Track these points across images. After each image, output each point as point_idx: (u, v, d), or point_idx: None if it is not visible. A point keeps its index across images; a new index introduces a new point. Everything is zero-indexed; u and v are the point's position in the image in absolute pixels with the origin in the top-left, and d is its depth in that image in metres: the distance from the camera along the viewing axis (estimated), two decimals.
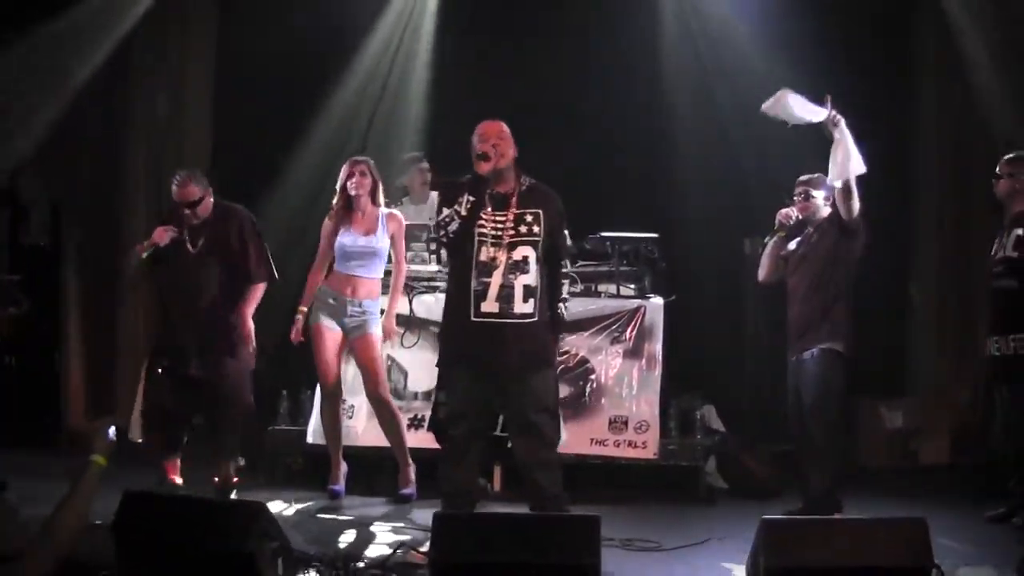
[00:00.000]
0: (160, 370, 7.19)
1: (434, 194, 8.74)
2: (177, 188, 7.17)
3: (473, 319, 5.86)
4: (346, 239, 7.31)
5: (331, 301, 7.34)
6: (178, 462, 7.29)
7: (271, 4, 9.77)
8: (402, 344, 7.77)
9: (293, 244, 9.08)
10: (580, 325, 7.65)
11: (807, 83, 8.36)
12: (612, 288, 7.94)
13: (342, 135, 9.70)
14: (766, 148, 8.55)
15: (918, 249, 9.56)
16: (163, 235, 7.13)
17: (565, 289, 6.20)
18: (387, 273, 7.49)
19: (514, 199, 5.90)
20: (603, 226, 8.10)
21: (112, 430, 4.41)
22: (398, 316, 7.60)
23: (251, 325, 7.27)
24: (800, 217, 6.99)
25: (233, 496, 7.12)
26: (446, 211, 5.84)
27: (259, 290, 7.35)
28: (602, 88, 9.68)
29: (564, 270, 6.17)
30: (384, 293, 7.46)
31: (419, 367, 7.88)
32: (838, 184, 6.62)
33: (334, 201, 7.39)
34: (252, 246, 7.31)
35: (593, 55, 9.76)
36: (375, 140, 9.75)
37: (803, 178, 6.98)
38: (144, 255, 7.15)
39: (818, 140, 7.95)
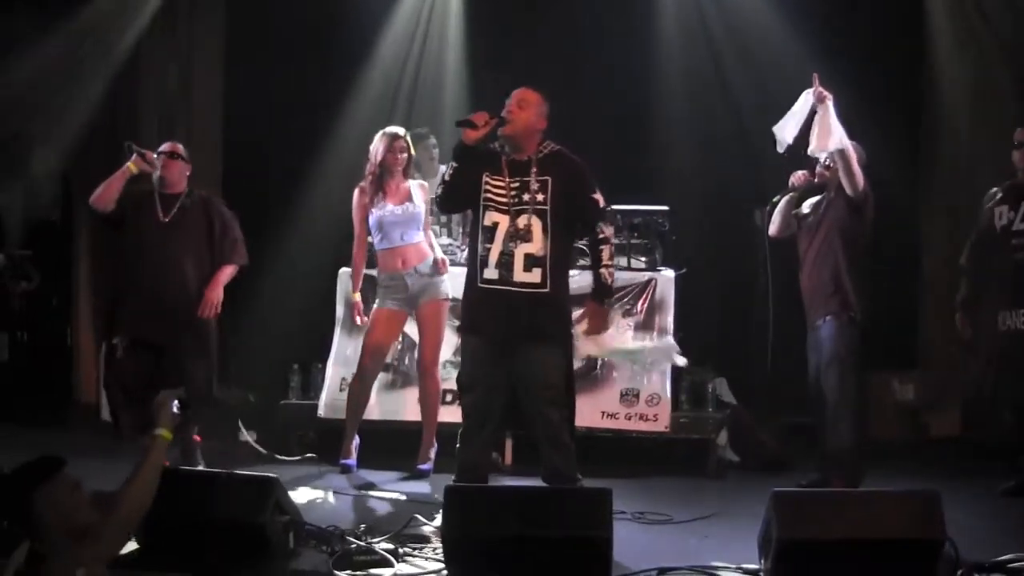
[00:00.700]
0: (125, 347, 7.10)
1: (443, 167, 8.74)
2: (168, 144, 7.30)
3: (479, 285, 5.86)
4: (383, 212, 7.28)
5: (390, 283, 7.35)
6: None
7: None
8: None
9: (316, 232, 9.16)
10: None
11: (818, 59, 8.39)
12: (623, 261, 7.91)
13: (365, 117, 9.64)
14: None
15: (928, 222, 9.51)
16: (152, 161, 7.11)
17: (605, 254, 5.93)
18: None
19: (531, 167, 5.85)
20: (613, 199, 8.05)
21: (176, 404, 4.42)
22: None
23: (220, 297, 7.15)
24: (816, 182, 6.95)
25: (200, 463, 7.03)
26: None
27: (231, 271, 7.26)
28: (610, 61, 9.62)
29: (602, 235, 5.92)
30: None
31: None
32: (821, 156, 6.65)
33: (366, 172, 7.35)
34: (232, 229, 7.27)
35: (600, 25, 9.70)
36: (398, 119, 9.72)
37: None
38: (136, 169, 7.04)
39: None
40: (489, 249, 5.81)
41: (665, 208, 8.05)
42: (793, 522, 4.84)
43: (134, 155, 7.06)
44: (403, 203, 7.29)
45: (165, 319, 7.01)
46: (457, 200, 6.04)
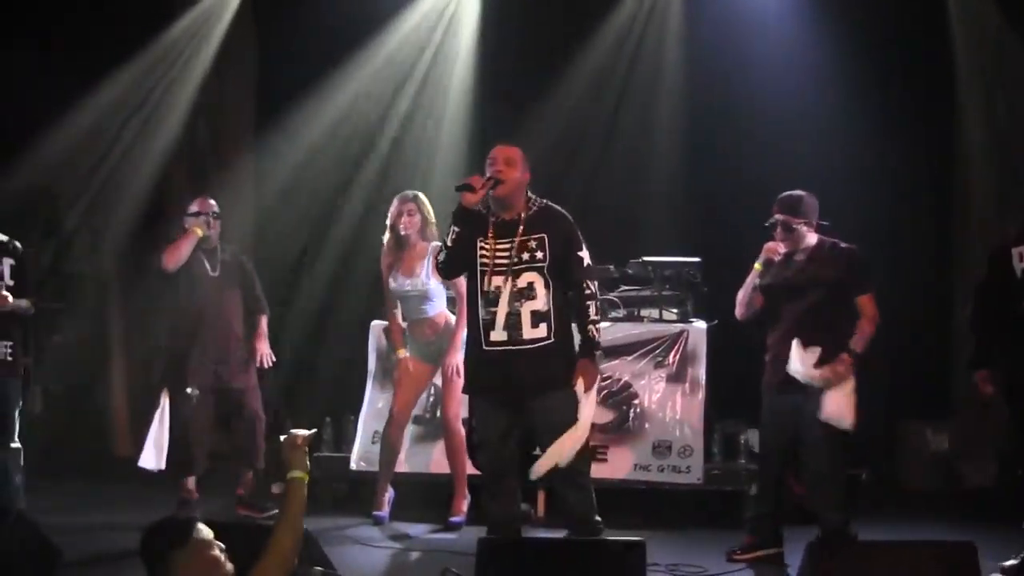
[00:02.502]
0: (198, 396, 7.47)
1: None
2: (201, 198, 7.73)
3: (485, 348, 5.85)
4: (397, 284, 7.32)
5: (419, 342, 7.43)
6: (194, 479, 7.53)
7: (310, 28, 9.80)
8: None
9: (348, 284, 9.24)
10: (623, 350, 7.66)
11: (846, 99, 8.42)
12: (655, 313, 7.93)
13: (398, 168, 9.71)
14: (806, 169, 8.53)
15: (960, 270, 9.48)
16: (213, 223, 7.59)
17: (591, 310, 5.88)
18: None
19: (520, 227, 5.85)
20: (645, 251, 8.10)
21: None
22: None
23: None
24: (785, 251, 6.51)
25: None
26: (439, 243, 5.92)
27: (266, 321, 7.82)
28: (640, 111, 9.68)
29: (588, 291, 5.88)
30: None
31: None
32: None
33: (385, 238, 7.38)
34: (257, 281, 7.87)
35: (629, 79, 9.78)
36: (421, 167, 9.77)
37: (779, 209, 6.46)
38: (202, 232, 7.50)
39: (858, 161, 7.97)
40: (494, 312, 5.80)
41: (697, 260, 8.05)
42: (827, 574, 4.82)
43: (201, 219, 7.54)
44: (411, 276, 7.30)
45: (226, 364, 7.55)
46: (458, 265, 6.03)
